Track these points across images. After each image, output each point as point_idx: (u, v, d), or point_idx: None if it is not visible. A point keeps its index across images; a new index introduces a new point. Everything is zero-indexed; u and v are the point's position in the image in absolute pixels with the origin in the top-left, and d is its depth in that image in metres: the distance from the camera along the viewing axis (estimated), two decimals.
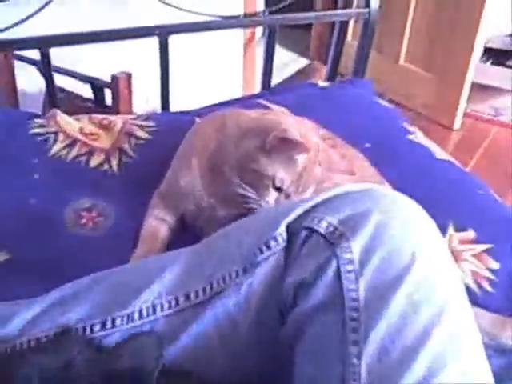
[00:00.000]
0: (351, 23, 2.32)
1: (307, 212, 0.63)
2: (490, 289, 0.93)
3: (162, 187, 1.01)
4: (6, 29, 1.15)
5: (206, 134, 0.98)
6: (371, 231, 0.58)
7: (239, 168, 0.89)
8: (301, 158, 0.87)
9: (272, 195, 0.87)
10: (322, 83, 1.55)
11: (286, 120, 0.93)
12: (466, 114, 2.62)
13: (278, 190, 0.87)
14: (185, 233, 0.98)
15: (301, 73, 3.02)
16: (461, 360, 0.53)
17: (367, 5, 1.49)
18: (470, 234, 1.01)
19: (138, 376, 0.53)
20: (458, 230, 1.01)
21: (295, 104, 1.28)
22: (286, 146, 0.85)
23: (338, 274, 0.57)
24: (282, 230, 0.62)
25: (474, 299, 0.86)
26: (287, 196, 0.88)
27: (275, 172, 0.86)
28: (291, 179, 0.87)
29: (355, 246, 0.58)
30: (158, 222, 0.97)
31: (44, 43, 1.23)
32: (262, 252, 0.62)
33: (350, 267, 0.57)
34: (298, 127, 0.91)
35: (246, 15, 1.60)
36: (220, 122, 0.98)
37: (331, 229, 0.60)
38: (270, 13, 1.44)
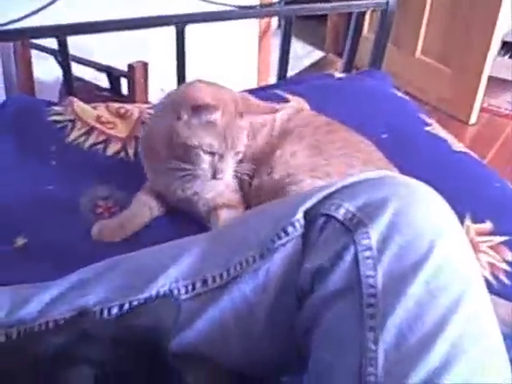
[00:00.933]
0: (367, 15, 2.30)
1: (325, 199, 0.62)
2: (506, 281, 0.92)
3: None
4: (25, 17, 1.16)
5: None
6: (389, 218, 0.58)
7: (168, 146, 0.91)
8: (217, 118, 0.88)
9: (205, 161, 0.89)
10: (338, 74, 1.54)
11: (198, 87, 0.94)
12: (482, 109, 2.58)
13: (211, 154, 0.89)
14: (192, 223, 0.98)
15: (315, 65, 3.01)
16: (479, 346, 0.52)
17: None
18: (488, 225, 1.00)
19: (155, 335, 0.53)
20: (476, 221, 1.00)
21: (312, 94, 1.27)
22: (198, 111, 0.87)
23: (355, 261, 0.57)
24: (299, 216, 0.62)
25: (491, 291, 0.85)
26: (221, 156, 0.90)
27: (200, 139, 0.88)
28: (218, 140, 0.89)
29: (373, 233, 0.57)
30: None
31: (61, 31, 1.23)
32: (279, 238, 0.62)
33: (367, 253, 0.57)
34: (212, 91, 0.92)
35: (262, 5, 1.59)
36: None
37: (349, 215, 0.59)
38: (287, 3, 1.44)
